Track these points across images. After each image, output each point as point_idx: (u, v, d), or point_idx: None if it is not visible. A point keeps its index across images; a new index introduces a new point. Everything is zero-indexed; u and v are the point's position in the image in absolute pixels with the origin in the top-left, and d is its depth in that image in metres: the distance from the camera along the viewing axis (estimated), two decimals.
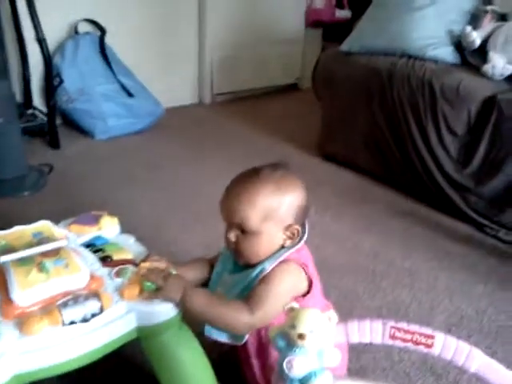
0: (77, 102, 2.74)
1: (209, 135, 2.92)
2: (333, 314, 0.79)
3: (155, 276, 0.93)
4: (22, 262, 0.91)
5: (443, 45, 2.18)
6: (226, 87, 3.60)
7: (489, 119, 1.88)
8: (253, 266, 1.01)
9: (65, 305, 0.85)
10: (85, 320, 0.85)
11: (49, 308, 0.85)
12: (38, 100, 2.82)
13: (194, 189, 2.21)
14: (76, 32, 2.88)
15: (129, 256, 1.04)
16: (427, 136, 2.06)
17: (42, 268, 0.89)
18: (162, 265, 0.99)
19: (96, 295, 0.88)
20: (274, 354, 0.95)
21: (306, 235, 1.04)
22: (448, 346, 0.77)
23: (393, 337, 0.79)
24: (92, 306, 0.86)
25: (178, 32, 3.33)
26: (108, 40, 2.91)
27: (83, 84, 2.76)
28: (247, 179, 1.01)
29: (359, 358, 1.26)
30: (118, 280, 0.95)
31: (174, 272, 0.98)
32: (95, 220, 1.14)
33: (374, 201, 2.17)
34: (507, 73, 1.96)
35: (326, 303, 1.10)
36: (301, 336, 0.76)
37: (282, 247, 1.02)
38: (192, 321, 0.97)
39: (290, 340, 0.78)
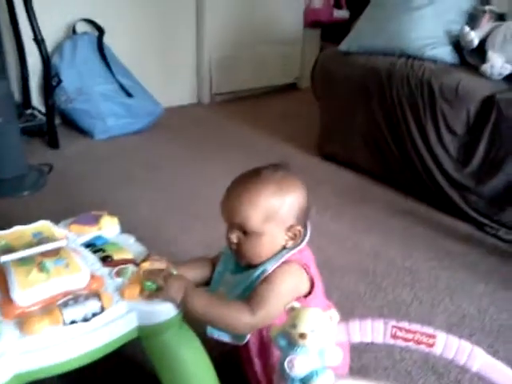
0: (76, 101, 2.74)
1: (208, 135, 2.92)
2: (334, 313, 0.79)
3: (156, 276, 0.93)
4: (23, 261, 0.91)
5: (442, 45, 2.18)
6: (225, 87, 3.59)
7: (488, 119, 1.88)
8: (254, 266, 1.01)
9: (65, 304, 0.85)
10: (85, 319, 0.85)
11: (49, 308, 0.85)
12: (36, 100, 2.82)
13: (194, 189, 2.21)
14: (74, 32, 2.87)
15: (129, 256, 1.04)
16: (426, 135, 2.06)
17: (42, 268, 0.89)
18: (162, 265, 0.99)
19: (96, 295, 0.88)
20: (276, 353, 0.95)
21: (307, 236, 1.04)
22: (450, 346, 0.76)
23: (394, 336, 0.79)
24: (92, 305, 0.86)
25: (176, 32, 3.33)
26: (106, 40, 2.91)
27: (82, 84, 2.76)
28: (248, 180, 1.01)
29: (360, 357, 1.26)
30: (119, 280, 0.95)
31: (174, 272, 0.98)
32: (95, 220, 1.14)
33: (373, 200, 2.17)
34: (506, 72, 1.97)
35: (328, 303, 1.09)
36: (302, 335, 0.76)
37: (284, 248, 1.02)
38: (193, 320, 0.97)
39: (292, 339, 0.77)
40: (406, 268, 1.69)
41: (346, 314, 0.83)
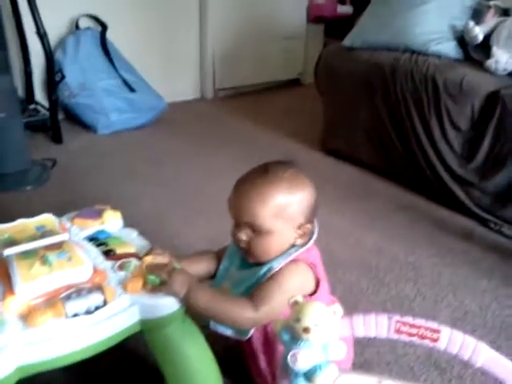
0: (79, 97, 2.75)
1: (211, 130, 2.92)
2: (338, 308, 0.79)
3: (160, 270, 0.92)
4: (25, 255, 0.91)
5: (446, 40, 2.17)
6: (228, 82, 3.59)
7: (492, 114, 1.87)
8: (261, 263, 1.00)
9: (68, 297, 0.85)
10: (88, 313, 0.85)
11: (52, 301, 0.85)
12: (40, 95, 2.82)
13: (197, 183, 2.21)
14: (77, 27, 2.88)
15: (132, 250, 1.04)
16: (430, 131, 2.05)
17: (45, 261, 0.89)
18: (164, 258, 0.98)
19: (99, 288, 0.88)
20: (280, 348, 0.94)
21: (315, 234, 1.03)
22: (454, 341, 0.76)
23: (398, 331, 0.79)
24: (95, 298, 0.86)
25: (179, 27, 3.33)
26: (109, 35, 2.90)
27: (85, 79, 2.76)
28: (256, 177, 0.99)
29: (363, 351, 1.26)
30: (121, 273, 0.95)
31: (177, 266, 0.98)
32: (98, 214, 1.14)
33: (376, 196, 2.16)
34: (510, 68, 1.96)
35: (332, 298, 1.08)
36: (306, 329, 0.75)
37: (292, 246, 1.01)
38: (197, 314, 0.97)
39: (295, 333, 0.77)
40: (409, 263, 1.68)
41: (350, 309, 0.83)
